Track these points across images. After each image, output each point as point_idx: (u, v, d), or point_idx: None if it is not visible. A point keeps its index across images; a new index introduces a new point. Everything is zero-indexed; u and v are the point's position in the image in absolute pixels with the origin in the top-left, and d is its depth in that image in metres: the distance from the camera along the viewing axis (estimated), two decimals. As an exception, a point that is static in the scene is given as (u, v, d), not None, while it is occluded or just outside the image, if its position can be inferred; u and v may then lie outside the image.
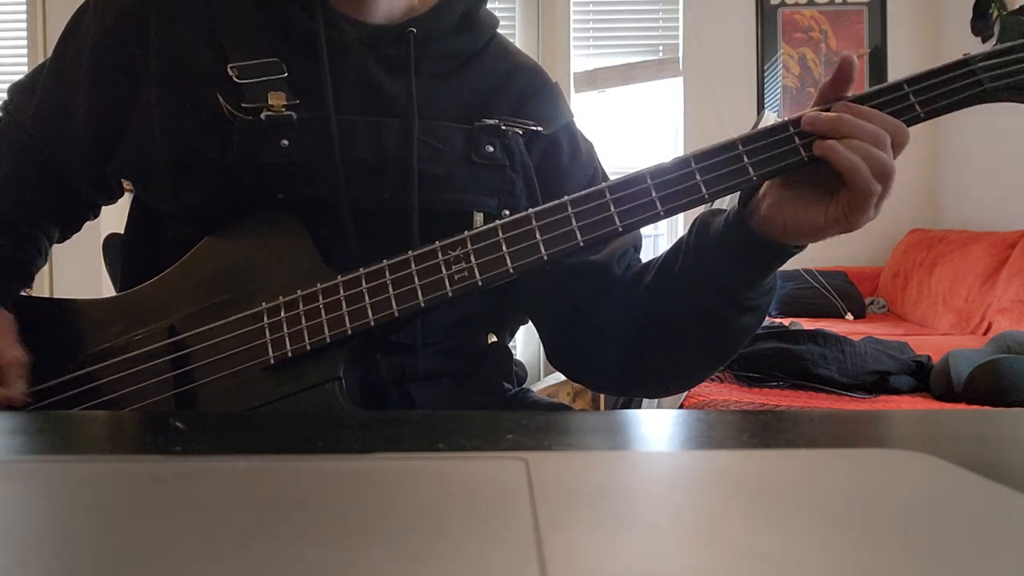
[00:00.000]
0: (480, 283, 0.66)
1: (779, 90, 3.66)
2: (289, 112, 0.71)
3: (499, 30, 0.86)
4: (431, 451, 0.39)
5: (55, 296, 0.82)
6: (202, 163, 0.72)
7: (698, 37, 3.61)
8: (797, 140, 0.65)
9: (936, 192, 3.58)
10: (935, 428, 0.49)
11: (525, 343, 3.21)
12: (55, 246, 0.90)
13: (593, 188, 0.67)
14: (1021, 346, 1.90)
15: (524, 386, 0.87)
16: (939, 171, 3.55)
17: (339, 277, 0.68)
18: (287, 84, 0.73)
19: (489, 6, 0.86)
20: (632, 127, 3.82)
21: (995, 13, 3.24)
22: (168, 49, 0.75)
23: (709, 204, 0.68)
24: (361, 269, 0.67)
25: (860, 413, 0.54)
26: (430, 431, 0.47)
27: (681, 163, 0.66)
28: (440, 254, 0.67)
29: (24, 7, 3.58)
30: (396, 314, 0.66)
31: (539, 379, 3.21)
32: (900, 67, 3.66)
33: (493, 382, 0.82)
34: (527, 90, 0.82)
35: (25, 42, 3.60)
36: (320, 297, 0.68)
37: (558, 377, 2.96)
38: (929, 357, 1.94)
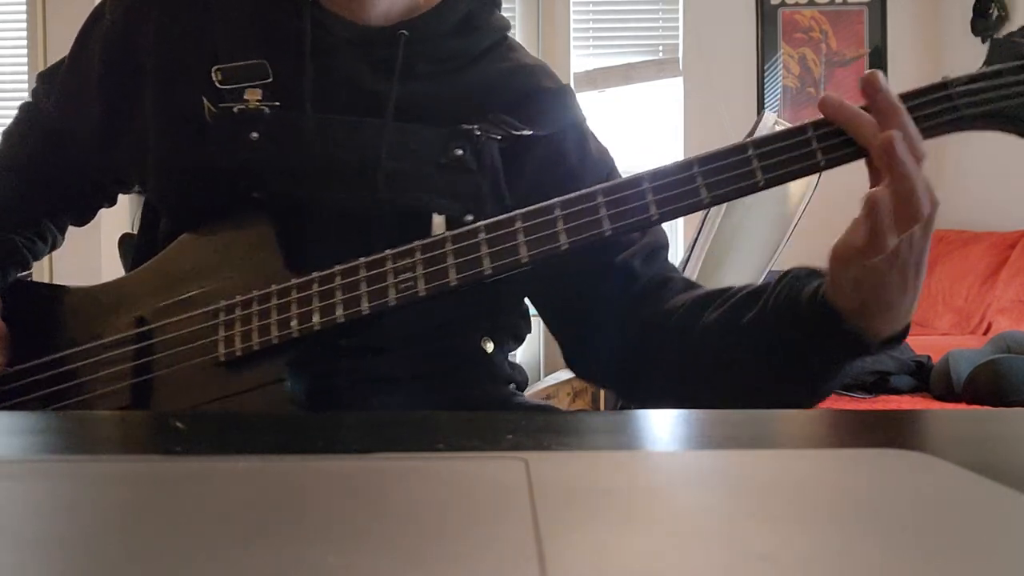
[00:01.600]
0: (423, 293, 0.65)
1: (779, 90, 3.66)
2: (261, 107, 0.72)
3: None
4: (431, 451, 0.39)
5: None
6: (185, 161, 0.73)
7: (698, 37, 3.61)
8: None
9: (936, 192, 3.58)
10: (935, 428, 0.49)
11: (525, 344, 3.21)
12: (55, 252, 0.92)
13: (541, 204, 0.64)
14: (1021, 346, 1.90)
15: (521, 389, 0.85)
16: (939, 171, 3.54)
17: (293, 279, 0.68)
18: (269, 86, 0.73)
19: (490, 7, 0.85)
20: (632, 127, 3.82)
21: (995, 12, 3.24)
22: (163, 47, 0.76)
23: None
24: (314, 272, 0.68)
25: (860, 413, 0.54)
26: (430, 431, 0.47)
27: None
28: (390, 262, 0.66)
29: (24, 7, 3.58)
30: (341, 319, 0.66)
31: (539, 379, 3.21)
32: (900, 67, 3.66)
33: (481, 387, 0.79)
34: (527, 90, 0.80)
35: (25, 42, 3.60)
36: (273, 298, 0.68)
37: (558, 377, 2.96)
38: (929, 357, 1.94)
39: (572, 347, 0.82)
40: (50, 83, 0.87)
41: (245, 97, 0.72)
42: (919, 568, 0.22)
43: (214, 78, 0.73)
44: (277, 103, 0.73)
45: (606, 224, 0.63)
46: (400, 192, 0.72)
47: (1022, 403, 1.70)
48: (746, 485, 0.30)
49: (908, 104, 0.60)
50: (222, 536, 0.24)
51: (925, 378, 1.92)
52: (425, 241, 0.66)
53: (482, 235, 0.65)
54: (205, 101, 0.72)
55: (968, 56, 3.39)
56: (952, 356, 1.85)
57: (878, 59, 3.65)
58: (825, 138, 0.60)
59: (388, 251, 0.66)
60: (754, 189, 0.62)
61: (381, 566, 0.22)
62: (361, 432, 0.49)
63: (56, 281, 0.85)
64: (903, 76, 3.66)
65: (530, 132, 0.77)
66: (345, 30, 0.76)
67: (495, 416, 0.61)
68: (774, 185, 0.62)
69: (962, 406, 1.73)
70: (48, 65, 0.90)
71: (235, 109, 0.72)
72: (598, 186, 0.64)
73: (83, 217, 0.93)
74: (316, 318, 0.66)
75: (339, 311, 0.66)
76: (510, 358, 0.86)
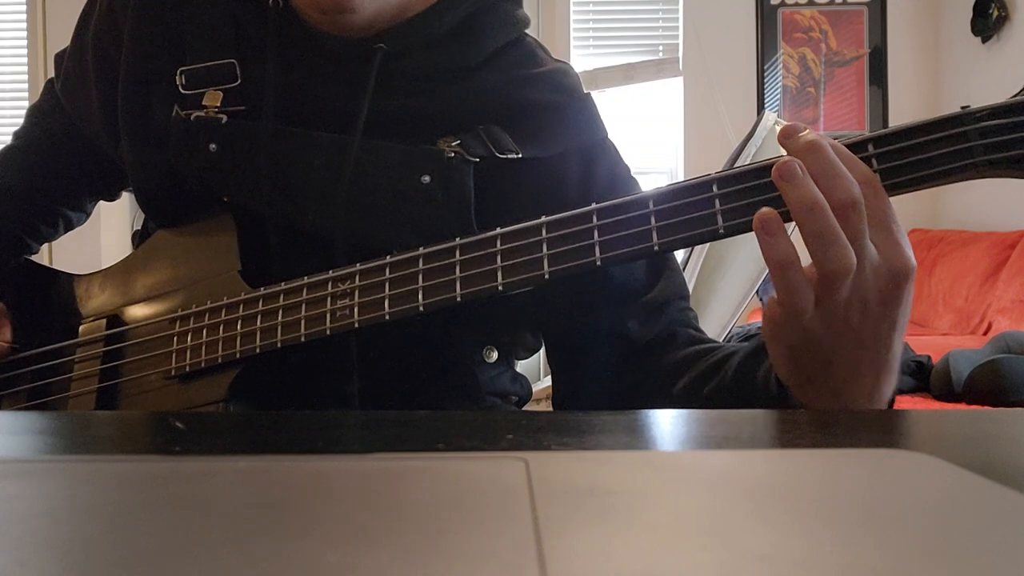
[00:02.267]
0: (357, 324, 0.61)
1: (779, 90, 3.66)
2: (220, 115, 0.69)
3: None
4: (431, 451, 0.39)
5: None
6: (152, 162, 0.73)
7: (698, 37, 3.62)
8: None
9: (936, 192, 3.58)
10: (935, 428, 0.49)
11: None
12: (56, 245, 0.94)
13: (481, 236, 0.60)
14: (1021, 346, 1.90)
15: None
16: (939, 171, 3.54)
17: (243, 294, 0.66)
18: (236, 88, 0.71)
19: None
20: (632, 127, 3.82)
21: (995, 13, 3.24)
22: (135, 42, 0.75)
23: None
24: (262, 289, 0.66)
25: (860, 413, 0.54)
26: (430, 431, 0.47)
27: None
28: (330, 286, 0.63)
29: (24, 7, 3.58)
30: (279, 344, 0.64)
31: (539, 379, 3.21)
32: (900, 67, 3.66)
33: (460, 401, 0.74)
34: (531, 103, 0.72)
35: (25, 42, 3.60)
36: (223, 313, 0.66)
37: (558, 377, 2.95)
38: (929, 357, 1.94)
39: (561, 391, 0.76)
40: (59, 65, 0.86)
41: (204, 103, 0.70)
42: (919, 568, 0.22)
43: (178, 81, 0.71)
44: (242, 107, 0.70)
45: (545, 265, 0.57)
46: (357, 221, 0.68)
47: (1022, 403, 1.70)
48: (746, 485, 0.30)
49: (908, 141, 0.50)
50: (222, 536, 0.24)
51: (925, 378, 1.92)
52: (365, 266, 0.62)
53: (420, 265, 0.61)
54: (176, 108, 0.71)
55: (968, 56, 3.39)
56: (952, 356, 1.85)
57: (878, 59, 3.66)
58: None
59: (331, 272, 0.63)
60: (714, 237, 0.54)
61: (381, 566, 0.22)
62: (361, 432, 0.49)
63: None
64: (903, 76, 3.66)
65: (518, 155, 0.69)
66: (320, 42, 0.70)
67: (495, 416, 0.60)
68: (736, 234, 0.54)
69: (962, 406, 1.74)
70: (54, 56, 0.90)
71: (192, 117, 0.69)
72: (543, 219, 0.58)
73: (111, 195, 0.93)
74: (258, 340, 0.64)
75: (279, 335, 0.64)
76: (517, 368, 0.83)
